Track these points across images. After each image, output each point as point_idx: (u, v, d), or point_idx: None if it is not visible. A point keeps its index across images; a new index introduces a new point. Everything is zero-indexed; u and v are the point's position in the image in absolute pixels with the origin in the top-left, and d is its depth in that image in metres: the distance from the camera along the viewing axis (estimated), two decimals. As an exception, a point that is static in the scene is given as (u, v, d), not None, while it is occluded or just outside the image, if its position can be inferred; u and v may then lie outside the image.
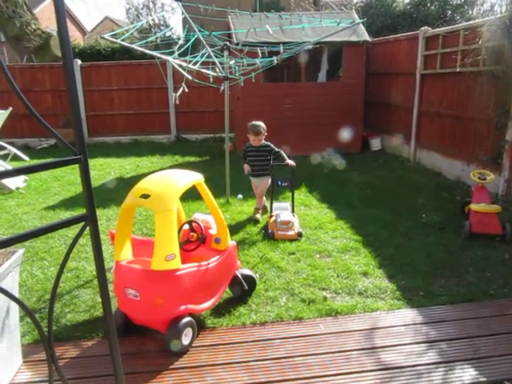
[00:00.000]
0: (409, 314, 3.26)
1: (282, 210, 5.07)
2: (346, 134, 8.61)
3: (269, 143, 5.20)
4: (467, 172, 6.02)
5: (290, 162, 5.06)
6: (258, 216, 5.28)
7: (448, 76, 6.97)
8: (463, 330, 3.04)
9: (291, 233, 4.69)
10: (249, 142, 5.22)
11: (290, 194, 5.23)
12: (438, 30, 7.45)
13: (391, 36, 9.31)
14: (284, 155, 5.14)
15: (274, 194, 5.17)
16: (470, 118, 6.45)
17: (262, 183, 5.28)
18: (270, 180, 5.21)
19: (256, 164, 5.18)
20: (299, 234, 4.72)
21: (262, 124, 5.10)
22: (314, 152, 8.47)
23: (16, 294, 2.69)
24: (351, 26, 6.94)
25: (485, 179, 4.90)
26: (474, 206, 4.69)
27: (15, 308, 2.62)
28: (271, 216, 4.97)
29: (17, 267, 2.63)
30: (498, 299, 3.44)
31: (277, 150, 5.16)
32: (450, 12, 12.06)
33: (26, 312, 1.43)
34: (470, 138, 6.55)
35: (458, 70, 6.47)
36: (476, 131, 6.37)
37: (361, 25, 8.35)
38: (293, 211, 5.12)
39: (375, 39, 9.55)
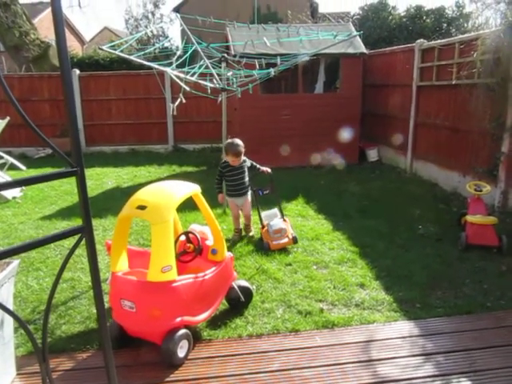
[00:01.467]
0: (405, 327, 3.25)
1: (271, 218, 4.96)
2: (342, 145, 8.64)
3: (245, 158, 4.92)
4: (463, 183, 6.04)
5: (265, 169, 4.96)
6: (252, 233, 5.14)
7: (444, 88, 7.03)
8: (460, 343, 3.03)
9: (285, 240, 4.66)
10: (224, 161, 4.88)
11: (277, 202, 5.10)
12: (433, 42, 7.53)
13: (387, 48, 9.41)
14: (256, 164, 4.99)
15: (258, 204, 5.01)
16: (466, 130, 6.49)
17: (246, 203, 5.01)
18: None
19: (237, 183, 4.88)
20: (294, 239, 4.70)
21: (240, 143, 4.76)
22: (311, 163, 8.50)
23: (10, 305, 2.67)
24: (348, 38, 7.02)
25: (481, 191, 4.92)
26: (470, 218, 4.70)
27: (10, 319, 2.60)
28: (263, 227, 4.87)
29: (12, 278, 2.61)
30: (495, 311, 3.44)
31: (250, 161, 4.97)
32: (445, 25, 12.22)
33: (20, 324, 1.43)
34: (466, 150, 6.59)
35: (453, 82, 6.53)
36: (472, 143, 6.41)
37: (358, 37, 8.42)
38: (282, 216, 5.02)
39: (372, 51, 9.65)
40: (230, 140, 4.85)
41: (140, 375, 2.77)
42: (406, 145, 8.27)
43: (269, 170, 4.98)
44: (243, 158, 4.89)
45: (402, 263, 4.31)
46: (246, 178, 4.94)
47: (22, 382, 2.72)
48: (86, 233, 1.44)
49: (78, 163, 1.38)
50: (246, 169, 4.91)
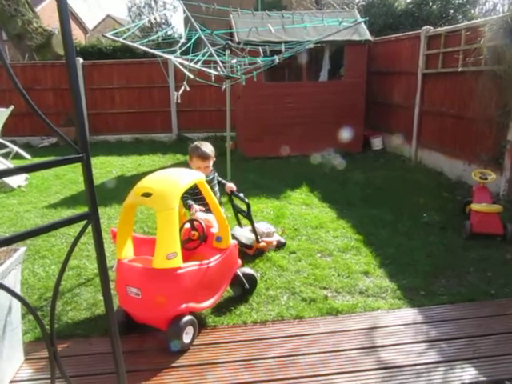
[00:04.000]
0: (409, 314, 3.27)
1: (248, 232, 4.23)
2: (347, 133, 8.59)
3: (212, 168, 3.93)
4: (469, 172, 6.02)
5: (230, 185, 4.01)
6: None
7: (450, 75, 6.96)
8: (463, 330, 3.04)
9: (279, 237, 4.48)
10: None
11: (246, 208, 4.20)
12: (439, 29, 7.44)
13: (393, 35, 9.30)
14: (221, 179, 4.07)
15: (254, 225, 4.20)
16: (472, 118, 6.44)
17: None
18: None
19: (205, 202, 3.41)
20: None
21: (210, 145, 3.77)
22: (316, 151, 8.47)
23: (18, 292, 2.70)
24: (353, 25, 6.96)
25: (486, 179, 4.90)
26: (475, 206, 4.68)
27: (17, 306, 2.63)
28: (259, 243, 4.18)
29: (18, 265, 2.64)
30: (499, 299, 3.45)
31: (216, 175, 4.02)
32: (451, 11, 12.04)
33: (29, 309, 1.44)
34: (471, 138, 6.55)
35: (459, 69, 6.46)
36: (477, 131, 6.36)
37: (363, 24, 8.33)
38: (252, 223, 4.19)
39: (377, 38, 9.55)
40: (195, 142, 3.86)
41: (146, 361, 2.80)
42: (410, 133, 8.21)
43: (233, 186, 4.02)
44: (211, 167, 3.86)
45: (406, 251, 4.32)
46: (218, 194, 3.86)
47: (29, 367, 2.76)
48: (92, 219, 1.45)
49: (84, 149, 1.38)
50: (216, 182, 3.89)
